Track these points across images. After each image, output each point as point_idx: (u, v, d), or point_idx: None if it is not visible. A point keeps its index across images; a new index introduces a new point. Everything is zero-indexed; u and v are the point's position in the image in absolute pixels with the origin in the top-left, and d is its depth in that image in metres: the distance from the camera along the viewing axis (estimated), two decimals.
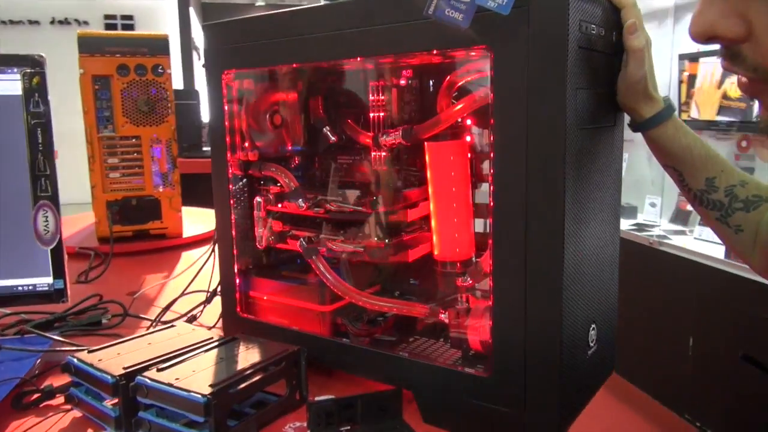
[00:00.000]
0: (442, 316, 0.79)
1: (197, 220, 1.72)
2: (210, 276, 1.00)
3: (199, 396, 0.62)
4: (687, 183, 0.69)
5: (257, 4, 9.87)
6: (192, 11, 6.07)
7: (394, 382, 0.73)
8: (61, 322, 1.02)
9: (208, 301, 0.99)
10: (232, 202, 0.86)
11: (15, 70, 0.75)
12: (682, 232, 2.62)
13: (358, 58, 0.75)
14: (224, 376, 0.66)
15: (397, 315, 0.84)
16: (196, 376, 0.67)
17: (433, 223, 0.77)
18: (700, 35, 0.48)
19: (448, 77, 0.75)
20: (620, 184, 0.73)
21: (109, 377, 0.68)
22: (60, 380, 0.79)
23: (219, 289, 0.98)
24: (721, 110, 2.49)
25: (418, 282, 0.85)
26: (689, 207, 2.56)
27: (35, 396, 0.78)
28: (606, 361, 0.74)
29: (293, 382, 0.74)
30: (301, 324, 0.85)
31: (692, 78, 2.63)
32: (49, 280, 0.80)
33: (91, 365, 0.71)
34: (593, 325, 0.69)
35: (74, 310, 1.08)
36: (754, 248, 0.69)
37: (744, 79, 0.49)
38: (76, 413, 0.76)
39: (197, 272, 1.09)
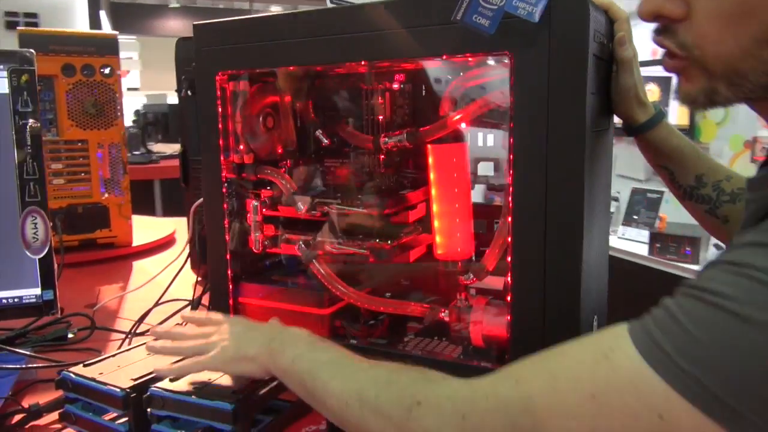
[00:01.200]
0: (443, 314, 0.81)
1: (142, 227, 1.64)
2: (194, 285, 0.97)
3: (227, 404, 0.60)
4: (677, 180, 0.75)
5: (171, 5, 9.56)
6: (102, 12, 5.78)
7: None
8: (22, 339, 0.95)
9: (194, 307, 0.96)
10: (225, 206, 0.84)
11: (1, 67, 0.69)
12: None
13: (362, 62, 0.76)
14: (244, 383, 0.65)
15: (394, 316, 0.85)
16: (213, 386, 0.65)
17: (436, 223, 0.79)
18: (648, 14, 0.51)
19: (453, 82, 0.77)
20: (611, 183, 0.79)
21: (119, 390, 0.65)
22: (38, 399, 0.74)
23: (203, 296, 0.95)
24: None
25: (418, 282, 0.87)
26: (612, 209, 2.72)
27: (19, 417, 0.73)
28: None
29: None
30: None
31: None
32: (37, 291, 0.75)
33: (93, 379, 0.67)
34: (595, 316, 0.73)
35: (35, 325, 1.01)
36: None
37: (668, 58, 0.54)
38: (71, 431, 0.71)
39: (172, 280, 1.05)
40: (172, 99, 4.46)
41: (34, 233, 0.72)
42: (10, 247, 0.72)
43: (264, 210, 0.85)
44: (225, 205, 0.84)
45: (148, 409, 0.65)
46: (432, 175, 0.78)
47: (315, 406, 0.57)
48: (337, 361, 0.57)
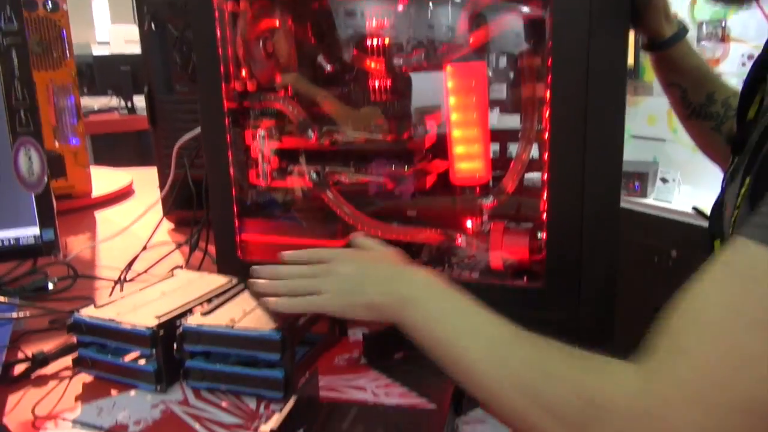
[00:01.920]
0: (459, 240, 0.81)
1: (96, 178, 1.53)
2: (191, 228, 0.91)
3: (275, 333, 0.58)
4: (689, 98, 0.76)
5: None
6: None
7: None
8: None
9: (192, 249, 0.90)
10: (228, 138, 0.79)
11: None
12: None
13: None
14: (282, 314, 0.62)
15: (409, 245, 0.84)
16: (252, 317, 0.62)
17: (453, 147, 0.78)
18: None
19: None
20: None
21: (145, 329, 0.61)
22: (35, 349, 0.68)
23: (199, 237, 0.90)
24: None
25: (434, 210, 0.85)
26: None
27: (23, 367, 0.67)
28: None
29: (334, 318, 0.72)
30: None
31: None
32: (35, 230, 0.67)
33: (112, 320, 0.63)
34: None
35: (10, 277, 0.93)
36: None
37: None
38: (86, 377, 0.67)
39: (157, 224, 0.99)
40: (99, 50, 4.17)
41: (29, 166, 0.64)
42: (3, 182, 0.64)
43: (271, 141, 0.81)
44: (228, 137, 0.79)
45: (183, 345, 0.61)
46: (450, 97, 0.76)
47: (451, 373, 0.50)
48: (481, 331, 0.49)
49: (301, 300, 0.59)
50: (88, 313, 0.65)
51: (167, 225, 1.25)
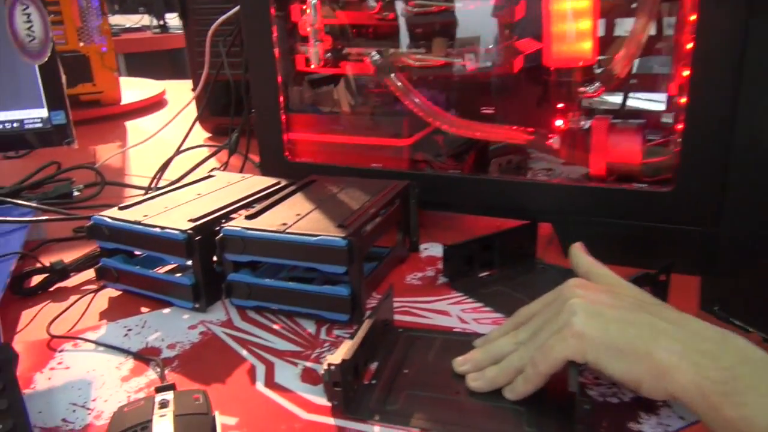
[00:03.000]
0: (551, 140, 0.66)
1: (127, 87, 1.41)
2: (229, 131, 0.78)
3: (339, 239, 0.45)
4: None
5: None
6: None
7: (526, 214, 0.60)
8: (14, 198, 0.77)
9: (231, 151, 0.78)
10: (272, 10, 0.65)
11: None
12: None
13: None
14: (349, 216, 0.50)
15: (484, 147, 0.70)
16: (308, 220, 0.50)
17: (552, 22, 0.62)
18: None
19: None
20: None
21: (178, 233, 0.49)
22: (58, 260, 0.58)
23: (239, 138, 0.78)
24: None
25: (520, 100, 0.70)
26: None
27: (40, 278, 0.57)
28: None
29: (405, 227, 0.59)
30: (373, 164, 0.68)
31: None
32: (43, 112, 0.55)
33: (139, 223, 0.51)
34: None
35: (30, 182, 0.83)
36: None
37: None
38: (112, 293, 0.56)
39: (192, 124, 0.87)
40: None
41: (29, 28, 0.51)
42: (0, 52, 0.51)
43: (324, 18, 0.66)
44: (272, 10, 0.65)
45: (224, 254, 0.49)
46: None
47: None
48: None
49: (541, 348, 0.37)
50: (109, 214, 0.53)
51: (203, 134, 1.13)
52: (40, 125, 0.55)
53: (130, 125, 1.27)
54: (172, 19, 3.18)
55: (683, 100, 0.52)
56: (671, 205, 0.54)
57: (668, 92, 0.61)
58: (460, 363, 0.41)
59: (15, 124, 0.54)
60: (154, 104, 1.42)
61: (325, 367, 0.37)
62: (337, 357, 0.37)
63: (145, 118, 1.32)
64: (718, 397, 0.32)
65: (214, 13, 0.97)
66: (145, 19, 3.33)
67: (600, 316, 0.36)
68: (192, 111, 0.97)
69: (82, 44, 1.23)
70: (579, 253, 0.44)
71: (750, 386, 0.32)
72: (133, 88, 1.44)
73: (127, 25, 3.32)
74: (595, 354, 0.35)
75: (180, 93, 1.51)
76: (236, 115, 0.82)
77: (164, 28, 3.21)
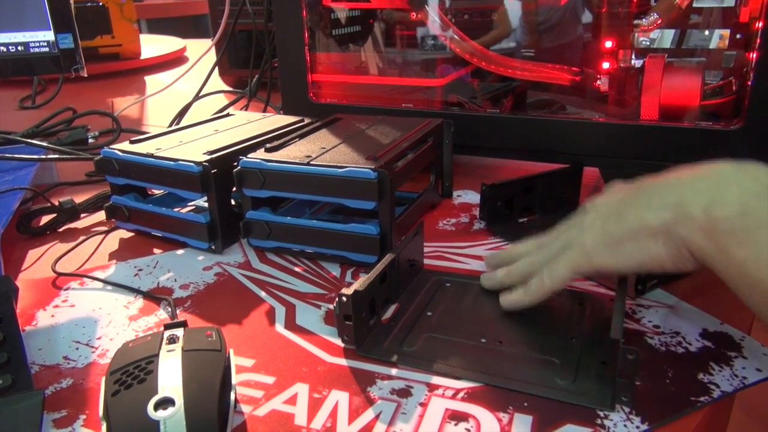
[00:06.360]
0: (599, 82, 0.61)
1: (147, 43, 1.37)
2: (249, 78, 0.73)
3: (368, 170, 0.41)
4: None
5: None
6: None
7: (571, 159, 0.55)
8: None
9: (251, 95, 0.73)
10: None
11: None
12: None
13: None
14: (379, 149, 0.45)
15: (522, 89, 0.65)
16: (334, 153, 0.45)
17: None
18: None
19: None
20: None
21: (193, 165, 0.45)
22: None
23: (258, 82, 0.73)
24: None
25: (568, 34, 0.64)
26: None
27: (49, 218, 0.54)
28: None
29: (438, 169, 0.54)
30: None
31: None
32: (49, 35, 0.51)
33: (151, 155, 0.47)
34: None
35: (43, 127, 0.80)
36: None
37: None
38: (124, 234, 0.52)
39: (211, 69, 0.83)
40: None
41: None
42: None
43: None
44: None
45: (243, 189, 0.45)
46: None
47: None
48: None
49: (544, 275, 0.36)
50: (120, 147, 0.50)
51: (223, 86, 1.08)
52: (46, 49, 0.51)
53: (150, 79, 1.23)
54: None
55: (759, 24, 0.46)
56: (739, 145, 0.48)
57: (739, 19, 0.55)
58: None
59: (20, 47, 0.50)
60: (175, 60, 1.37)
61: (337, 299, 0.33)
62: (350, 289, 0.33)
63: (166, 73, 1.28)
64: (725, 237, 0.28)
65: None
66: None
67: (595, 222, 0.35)
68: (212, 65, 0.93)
69: None
70: None
71: (764, 222, 0.27)
72: (153, 44, 1.40)
73: None
74: (600, 256, 0.33)
75: (201, 50, 1.46)
76: (256, 68, 0.77)
77: None
